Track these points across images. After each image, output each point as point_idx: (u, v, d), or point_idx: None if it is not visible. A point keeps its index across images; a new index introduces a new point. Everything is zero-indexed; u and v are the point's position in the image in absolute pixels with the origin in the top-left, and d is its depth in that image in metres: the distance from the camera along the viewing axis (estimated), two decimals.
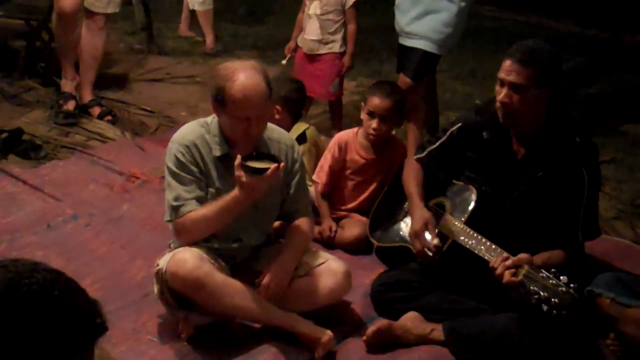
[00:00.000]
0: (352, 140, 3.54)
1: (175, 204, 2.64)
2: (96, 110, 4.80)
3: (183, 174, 2.64)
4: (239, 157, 2.49)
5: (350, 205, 3.59)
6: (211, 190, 2.67)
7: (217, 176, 2.66)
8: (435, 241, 2.80)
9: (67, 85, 4.78)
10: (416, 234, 2.85)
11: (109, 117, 4.76)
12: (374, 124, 3.41)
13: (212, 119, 2.72)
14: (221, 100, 2.57)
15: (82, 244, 3.34)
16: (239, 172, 2.48)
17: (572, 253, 2.73)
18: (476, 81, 5.93)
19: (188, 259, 2.59)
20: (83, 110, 4.82)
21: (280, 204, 2.82)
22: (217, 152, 2.67)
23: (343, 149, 3.53)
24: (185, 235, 2.67)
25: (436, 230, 2.84)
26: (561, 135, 2.72)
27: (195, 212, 2.61)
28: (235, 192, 2.54)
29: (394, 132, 3.64)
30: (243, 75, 2.55)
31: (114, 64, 5.83)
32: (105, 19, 4.74)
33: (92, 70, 4.84)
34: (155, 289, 2.72)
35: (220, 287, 2.60)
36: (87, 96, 4.84)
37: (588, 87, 5.99)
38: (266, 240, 2.86)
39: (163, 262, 2.67)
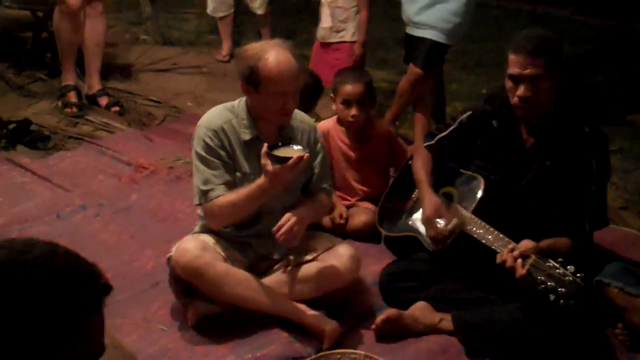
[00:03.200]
0: (333, 128, 3.53)
1: (204, 188, 2.66)
2: (104, 100, 4.80)
3: (211, 159, 2.66)
4: (265, 145, 2.51)
5: (357, 190, 3.58)
6: (238, 175, 2.69)
7: (245, 160, 2.69)
8: (450, 226, 2.79)
9: (68, 78, 4.77)
10: (428, 220, 2.85)
11: (117, 108, 4.77)
12: (353, 110, 3.41)
13: (238, 103, 2.74)
14: (255, 80, 2.58)
15: (91, 234, 3.36)
16: (264, 161, 2.50)
17: (578, 241, 2.73)
18: (482, 71, 5.91)
19: (189, 249, 2.63)
20: (91, 100, 4.82)
21: (303, 184, 2.84)
22: (245, 136, 2.69)
23: (326, 138, 3.53)
24: (214, 220, 2.72)
25: (449, 215, 2.83)
26: (570, 124, 2.72)
27: (223, 197, 2.64)
28: (261, 180, 2.56)
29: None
30: (274, 51, 2.58)
31: (120, 54, 5.82)
32: (103, 4, 4.73)
33: (97, 58, 4.84)
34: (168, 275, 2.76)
35: (221, 277, 2.63)
36: (96, 85, 4.84)
37: (594, 75, 5.98)
38: None
39: (174, 248, 2.71)
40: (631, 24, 7.23)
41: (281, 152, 2.52)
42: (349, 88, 3.42)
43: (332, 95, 3.53)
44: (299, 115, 2.83)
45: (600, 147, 2.75)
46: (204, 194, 2.67)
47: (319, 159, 2.86)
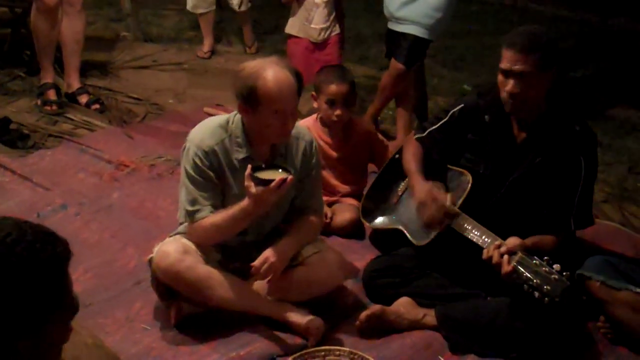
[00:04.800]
0: (313, 126, 3.49)
1: (190, 208, 2.63)
2: (84, 98, 4.76)
3: (200, 179, 2.62)
4: (249, 167, 2.48)
5: (339, 190, 3.58)
6: (231, 193, 2.66)
7: (235, 181, 2.63)
8: (448, 202, 2.77)
9: (46, 76, 4.72)
10: (423, 204, 2.83)
11: (97, 106, 4.73)
12: (338, 110, 3.40)
13: (233, 119, 2.68)
14: (254, 100, 2.52)
15: (72, 233, 3.32)
16: (248, 183, 2.46)
17: (564, 239, 2.74)
18: (464, 66, 5.94)
19: (170, 252, 2.61)
20: (71, 98, 4.78)
21: (292, 199, 2.80)
22: (239, 155, 2.64)
23: None
24: (198, 240, 2.68)
25: (445, 193, 2.83)
26: (561, 122, 2.73)
27: (208, 219, 2.61)
28: (245, 202, 2.52)
29: None
30: (272, 70, 2.53)
31: (99, 51, 5.77)
32: (82, 1, 4.69)
33: (76, 56, 4.79)
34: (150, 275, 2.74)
35: (203, 280, 2.62)
36: (75, 84, 4.80)
37: (575, 71, 6.02)
38: (274, 233, 2.81)
39: (156, 249, 2.69)
40: (607, 18, 7.29)
41: (265, 175, 2.48)
42: (334, 88, 3.39)
43: (313, 93, 3.51)
44: (295, 129, 2.74)
45: (590, 146, 2.76)
46: (190, 214, 2.64)
47: (312, 174, 2.81)
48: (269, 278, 2.65)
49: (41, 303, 1.48)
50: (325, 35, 4.44)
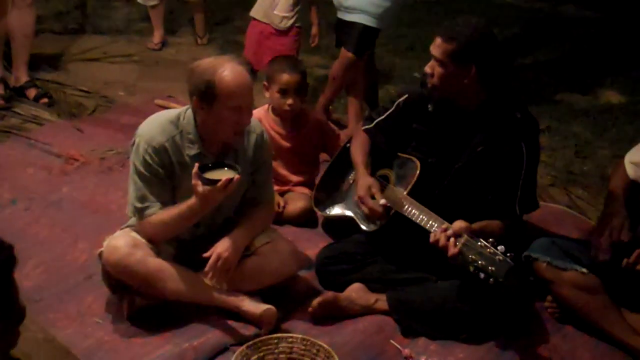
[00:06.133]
0: (264, 117, 3.50)
1: (139, 205, 2.63)
2: (32, 92, 4.68)
3: (150, 176, 2.61)
4: (196, 165, 2.47)
5: (290, 180, 3.60)
6: (182, 189, 2.64)
7: (186, 177, 2.58)
8: (382, 201, 2.82)
9: None
10: (361, 199, 2.88)
11: (45, 100, 4.66)
12: (290, 100, 3.41)
13: (184, 114, 2.66)
14: (211, 94, 2.51)
15: (22, 229, 3.29)
16: (195, 181, 2.46)
17: (510, 223, 2.79)
18: (414, 55, 5.98)
19: (120, 247, 2.60)
20: (18, 92, 4.70)
21: (244, 192, 2.80)
22: (191, 151, 2.63)
23: None
24: (147, 237, 2.67)
25: (381, 194, 2.87)
26: (502, 110, 2.78)
27: (156, 216, 2.61)
28: (192, 200, 2.52)
29: None
30: (229, 65, 2.53)
31: (48, 44, 5.67)
32: None
33: (25, 50, 4.71)
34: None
35: (153, 274, 2.62)
36: (23, 77, 4.72)
37: (523, 57, 6.11)
38: (227, 225, 2.80)
39: (105, 243, 2.67)
40: (557, 5, 7.43)
41: (212, 174, 2.48)
42: (286, 77, 3.40)
43: (265, 83, 3.51)
44: None
45: (531, 132, 2.81)
46: (139, 211, 2.63)
47: (263, 166, 2.82)
48: (224, 274, 2.65)
49: None
50: (288, 24, 4.45)
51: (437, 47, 2.68)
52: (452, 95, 2.76)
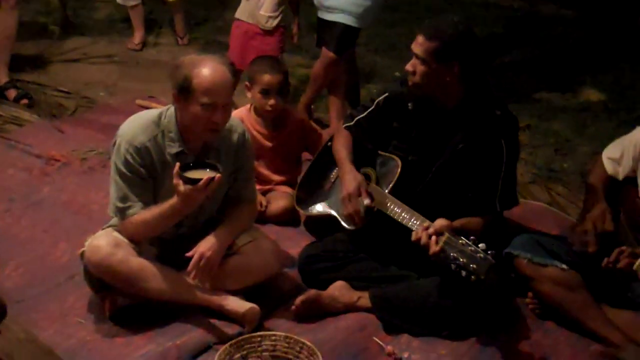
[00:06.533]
0: (246, 117, 3.49)
1: (121, 205, 2.62)
2: (12, 93, 4.65)
3: (131, 176, 2.61)
4: (177, 165, 2.48)
5: (272, 179, 3.60)
6: (163, 189, 2.64)
7: (168, 176, 2.57)
8: (367, 201, 2.84)
9: None
10: (350, 197, 2.87)
11: (26, 101, 4.62)
12: (272, 100, 3.41)
13: (165, 113, 2.67)
14: (187, 89, 2.52)
15: (2, 230, 3.27)
16: (176, 181, 2.46)
17: (490, 220, 2.82)
18: (395, 54, 5.99)
19: (101, 246, 2.60)
20: None
21: (225, 191, 2.80)
22: (172, 150, 2.63)
23: None
24: (129, 236, 2.67)
25: (367, 192, 2.87)
26: (481, 108, 2.80)
27: (138, 216, 2.61)
28: (174, 200, 2.52)
29: None
30: (210, 62, 2.55)
31: (28, 45, 5.62)
32: None
33: (7, 51, 4.69)
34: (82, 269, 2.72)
35: (135, 273, 2.62)
36: (3, 78, 4.68)
37: (503, 56, 6.15)
38: (209, 224, 2.80)
39: (87, 243, 2.67)
40: (536, 4, 7.48)
41: (193, 173, 2.48)
42: (268, 77, 3.40)
43: (247, 83, 3.51)
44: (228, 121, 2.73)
45: (510, 130, 2.83)
46: (121, 211, 2.63)
47: (244, 165, 2.82)
48: (207, 273, 2.65)
49: None
50: (274, 24, 4.45)
51: (419, 45, 2.69)
52: (433, 93, 2.78)
